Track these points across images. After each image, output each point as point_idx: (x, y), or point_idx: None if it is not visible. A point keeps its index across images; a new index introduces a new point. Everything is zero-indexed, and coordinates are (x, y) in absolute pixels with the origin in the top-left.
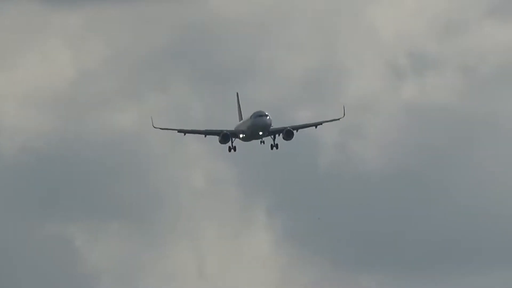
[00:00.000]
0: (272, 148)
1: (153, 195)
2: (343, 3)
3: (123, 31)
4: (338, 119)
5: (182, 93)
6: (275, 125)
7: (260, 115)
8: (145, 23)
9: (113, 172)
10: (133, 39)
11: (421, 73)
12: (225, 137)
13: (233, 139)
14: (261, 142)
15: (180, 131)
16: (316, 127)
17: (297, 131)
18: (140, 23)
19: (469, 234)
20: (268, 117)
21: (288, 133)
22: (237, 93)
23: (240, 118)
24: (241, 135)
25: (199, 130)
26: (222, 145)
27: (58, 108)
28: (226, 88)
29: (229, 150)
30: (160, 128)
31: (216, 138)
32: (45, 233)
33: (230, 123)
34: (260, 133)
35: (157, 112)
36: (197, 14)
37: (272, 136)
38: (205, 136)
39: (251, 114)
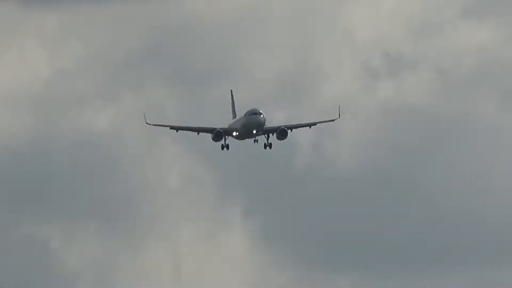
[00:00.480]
0: (265, 147)
1: (140, 194)
2: (320, 5)
3: (101, 31)
4: (333, 120)
5: (162, 93)
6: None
7: (254, 113)
8: (121, 23)
9: (102, 172)
10: (110, 40)
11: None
12: (218, 134)
13: (226, 137)
14: (254, 141)
15: (172, 127)
16: (310, 127)
17: (291, 130)
18: (115, 24)
19: (453, 234)
20: (262, 116)
21: (282, 133)
22: (231, 91)
23: (234, 116)
24: (234, 133)
25: (192, 127)
26: (215, 143)
27: (39, 109)
28: (200, 88)
29: (222, 148)
30: (153, 125)
31: (209, 135)
32: (27, 233)
33: (211, 123)
34: (254, 131)
35: (134, 111)
36: (175, 15)
37: (266, 135)
38: (198, 133)
39: (245, 112)
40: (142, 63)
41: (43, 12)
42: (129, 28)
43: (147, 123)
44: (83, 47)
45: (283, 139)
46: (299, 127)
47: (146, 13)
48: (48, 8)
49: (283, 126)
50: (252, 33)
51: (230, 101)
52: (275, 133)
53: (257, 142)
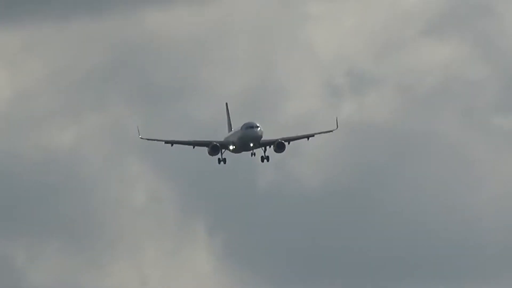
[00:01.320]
0: (262, 161)
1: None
2: (282, 23)
3: (63, 50)
4: (331, 131)
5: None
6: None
7: (250, 126)
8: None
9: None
10: (71, 58)
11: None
12: (214, 148)
13: (223, 150)
14: (252, 154)
15: (167, 142)
16: (308, 139)
17: (289, 143)
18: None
19: (418, 250)
20: (259, 129)
21: (279, 145)
22: (226, 103)
23: (230, 129)
24: (231, 147)
25: (187, 141)
26: (212, 157)
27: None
28: (164, 106)
29: (219, 162)
30: (147, 139)
31: (205, 149)
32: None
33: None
34: (251, 144)
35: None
36: (136, 33)
37: (263, 148)
38: (194, 147)
39: (241, 125)
40: (105, 81)
41: (4, 30)
42: (91, 45)
43: (140, 137)
44: (47, 65)
45: (281, 152)
46: (296, 139)
47: (109, 31)
48: (8, 26)
49: (280, 139)
50: (214, 50)
51: (226, 114)
52: (272, 146)
53: (255, 155)
